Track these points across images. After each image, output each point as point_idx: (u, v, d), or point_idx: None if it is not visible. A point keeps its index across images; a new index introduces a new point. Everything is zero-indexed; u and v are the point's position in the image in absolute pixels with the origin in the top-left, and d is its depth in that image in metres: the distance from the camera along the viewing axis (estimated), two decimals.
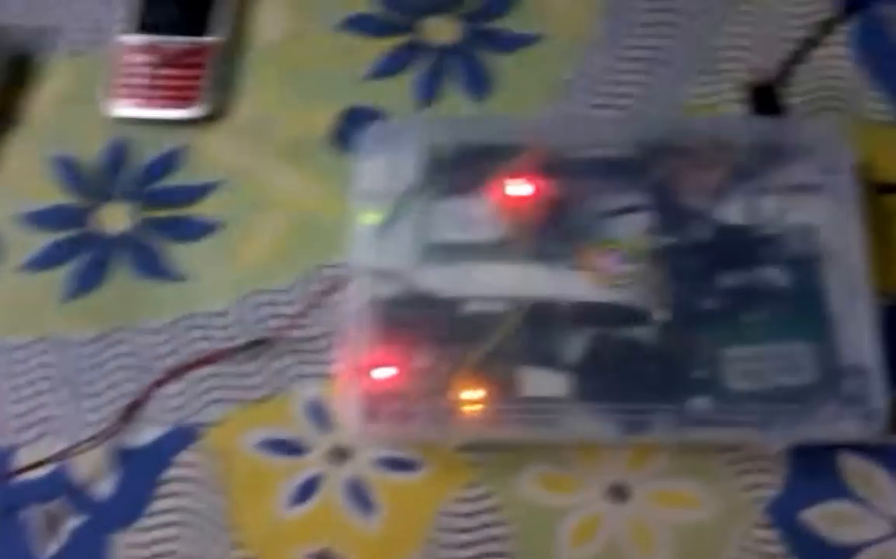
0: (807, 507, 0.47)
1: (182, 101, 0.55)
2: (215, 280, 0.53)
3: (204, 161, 0.56)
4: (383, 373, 0.47)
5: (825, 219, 0.49)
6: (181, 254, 0.54)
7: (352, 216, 0.49)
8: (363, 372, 0.46)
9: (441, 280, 0.49)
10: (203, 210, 0.55)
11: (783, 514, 0.46)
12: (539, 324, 0.47)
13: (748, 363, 0.46)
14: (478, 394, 0.46)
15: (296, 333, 0.51)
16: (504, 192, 0.50)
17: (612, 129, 0.53)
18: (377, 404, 0.46)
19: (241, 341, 0.51)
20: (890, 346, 0.46)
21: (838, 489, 0.47)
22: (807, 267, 0.48)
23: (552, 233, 0.49)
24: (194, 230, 0.54)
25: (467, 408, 0.46)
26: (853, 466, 0.47)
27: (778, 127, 0.52)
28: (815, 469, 0.48)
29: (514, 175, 0.50)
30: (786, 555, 0.46)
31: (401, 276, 0.48)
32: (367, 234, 0.49)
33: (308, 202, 0.54)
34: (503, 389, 0.46)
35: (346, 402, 0.46)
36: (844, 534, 0.46)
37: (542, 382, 0.46)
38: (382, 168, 0.50)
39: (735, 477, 0.47)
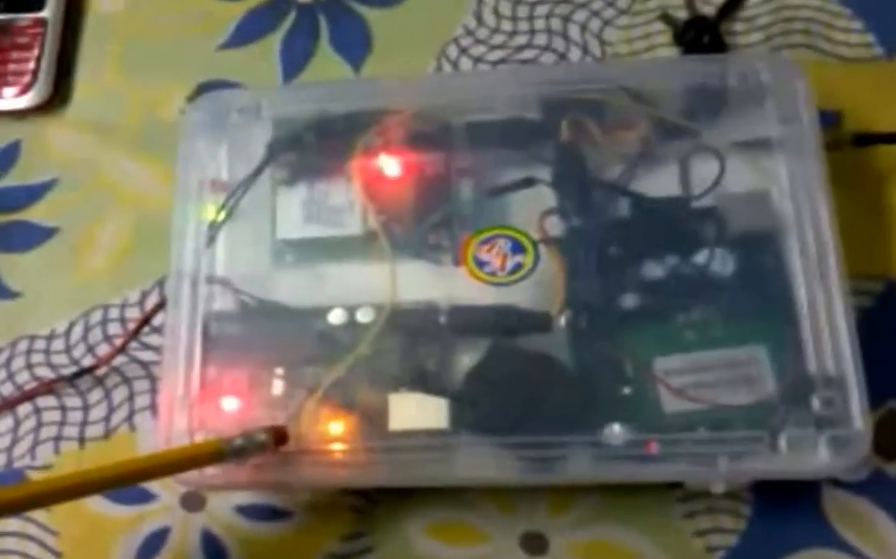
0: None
1: (13, 87, 0.42)
2: (53, 295, 0.40)
3: (39, 157, 0.42)
4: (221, 405, 0.33)
5: (781, 183, 0.33)
6: (14, 266, 0.41)
7: (180, 212, 0.35)
8: (191, 404, 0.33)
9: (293, 286, 0.34)
10: (38, 214, 0.41)
11: None
12: (414, 337, 0.33)
13: (685, 376, 0.31)
14: (336, 428, 0.32)
15: (143, 356, 0.38)
16: (368, 172, 0.35)
17: (502, 84, 0.37)
18: None
19: (74, 369, 0.38)
20: (871, 347, 0.31)
21: (819, 534, 0.33)
22: (759, 247, 0.33)
23: (430, 220, 0.34)
24: (28, 238, 0.41)
25: (323, 448, 0.32)
26: (837, 505, 0.33)
27: (715, 67, 0.35)
28: (785, 509, 0.33)
29: (381, 150, 0.35)
30: None
31: (242, 284, 0.34)
32: (199, 234, 0.35)
33: (159, 200, 0.40)
34: (367, 422, 0.32)
35: (167, 442, 0.32)
36: None
37: (417, 411, 0.32)
38: (218, 151, 0.36)
39: (681, 521, 0.33)
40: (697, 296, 0.33)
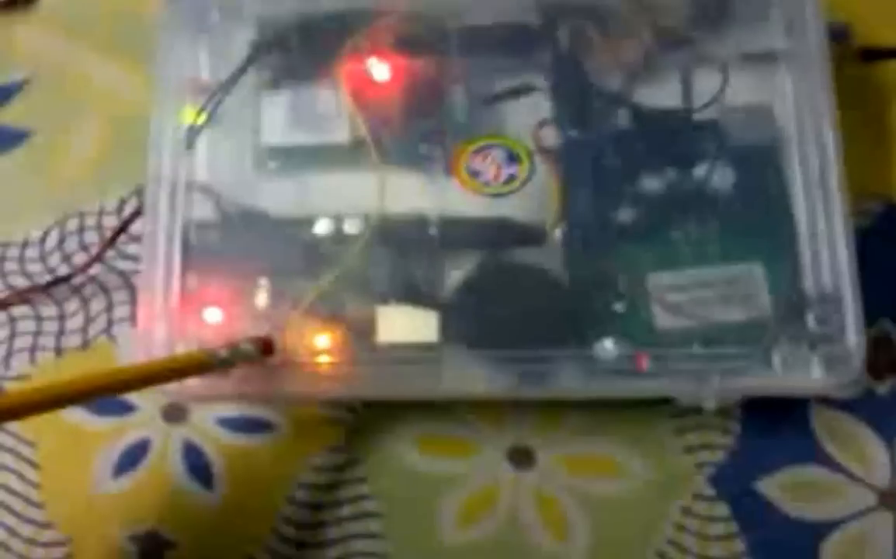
0: (764, 475, 0.33)
1: None
2: (25, 201, 0.38)
3: (7, 57, 0.40)
4: (203, 316, 0.32)
5: (785, 97, 0.32)
6: None
7: (159, 115, 0.33)
8: (174, 316, 0.32)
9: (277, 195, 0.33)
10: (8, 117, 0.39)
11: (733, 483, 0.33)
12: (403, 249, 0.32)
13: (679, 293, 0.31)
14: (323, 340, 0.32)
15: (121, 265, 0.37)
16: (357, 77, 0.34)
17: None
18: None
19: (50, 277, 0.37)
20: (868, 266, 0.30)
21: (806, 452, 0.33)
22: (759, 162, 0.32)
23: (421, 128, 0.33)
24: None
25: (309, 360, 0.31)
26: (826, 423, 0.33)
27: None
28: (774, 426, 0.33)
29: (370, 53, 0.34)
30: (736, 534, 0.32)
31: (223, 191, 0.33)
32: (180, 137, 0.33)
33: (136, 103, 0.38)
34: (356, 334, 0.31)
35: (147, 353, 0.31)
36: (813, 508, 0.32)
37: (407, 324, 0.31)
38: (199, 51, 0.34)
39: (671, 437, 0.33)
40: (695, 212, 0.32)
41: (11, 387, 0.36)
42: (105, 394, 0.27)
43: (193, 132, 0.33)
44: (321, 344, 0.31)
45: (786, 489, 0.33)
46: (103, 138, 0.39)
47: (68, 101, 0.39)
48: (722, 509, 0.33)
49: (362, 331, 0.31)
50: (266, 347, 0.30)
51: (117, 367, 0.28)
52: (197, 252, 0.32)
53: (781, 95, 0.32)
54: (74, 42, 0.40)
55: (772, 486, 0.33)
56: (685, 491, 0.33)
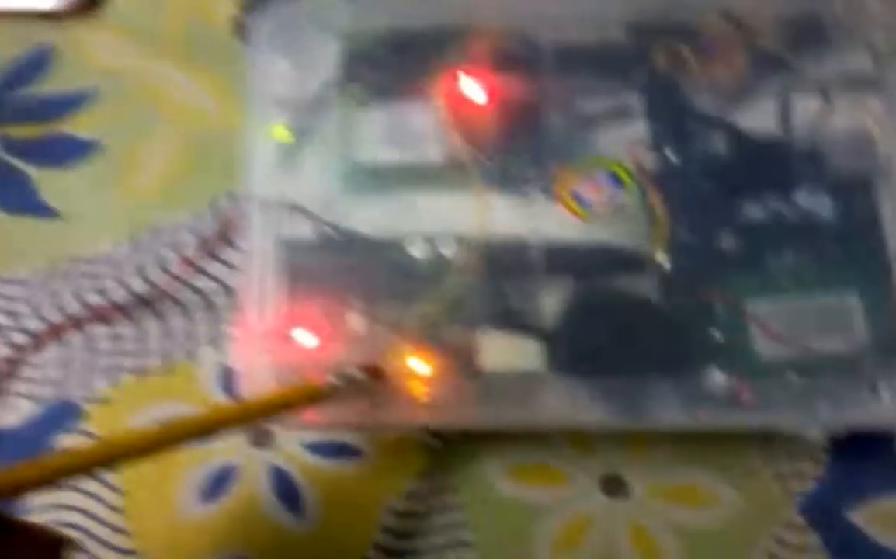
0: (855, 504, 0.33)
1: None
2: (98, 215, 0.37)
3: (76, 64, 0.39)
4: (297, 339, 0.31)
5: (885, 124, 0.32)
6: (54, 182, 0.38)
7: (251, 132, 0.33)
8: (270, 338, 0.31)
9: (371, 215, 0.32)
10: (78, 126, 0.38)
11: (825, 512, 0.33)
12: (503, 274, 0.31)
13: (780, 322, 0.31)
14: (423, 367, 0.31)
15: (201, 284, 0.36)
16: (452, 94, 0.33)
17: (597, 3, 0.34)
18: (288, 380, 0.30)
19: (127, 295, 0.36)
20: None
21: None
22: (859, 190, 0.32)
23: (517, 149, 0.32)
24: (69, 152, 0.38)
25: (409, 386, 0.31)
26: None
27: None
28: (865, 456, 0.33)
29: (465, 71, 0.33)
30: None
31: (317, 211, 0.32)
32: (271, 155, 0.32)
33: (209, 114, 0.38)
34: (457, 361, 0.31)
35: (247, 378, 0.30)
36: None
37: (509, 351, 0.31)
38: (288, 66, 0.33)
39: (763, 465, 0.33)
40: (793, 239, 0.32)
41: (92, 409, 0.35)
42: (224, 431, 0.26)
43: (288, 149, 0.32)
44: (422, 370, 0.31)
45: (877, 519, 0.32)
46: (175, 150, 0.38)
47: (138, 111, 0.38)
48: (813, 538, 0.32)
49: (464, 358, 0.31)
50: (376, 375, 0.29)
51: (232, 405, 0.27)
52: (293, 274, 0.31)
53: (882, 122, 0.32)
54: (143, 50, 0.39)
55: (863, 516, 0.32)
56: (776, 520, 0.33)
